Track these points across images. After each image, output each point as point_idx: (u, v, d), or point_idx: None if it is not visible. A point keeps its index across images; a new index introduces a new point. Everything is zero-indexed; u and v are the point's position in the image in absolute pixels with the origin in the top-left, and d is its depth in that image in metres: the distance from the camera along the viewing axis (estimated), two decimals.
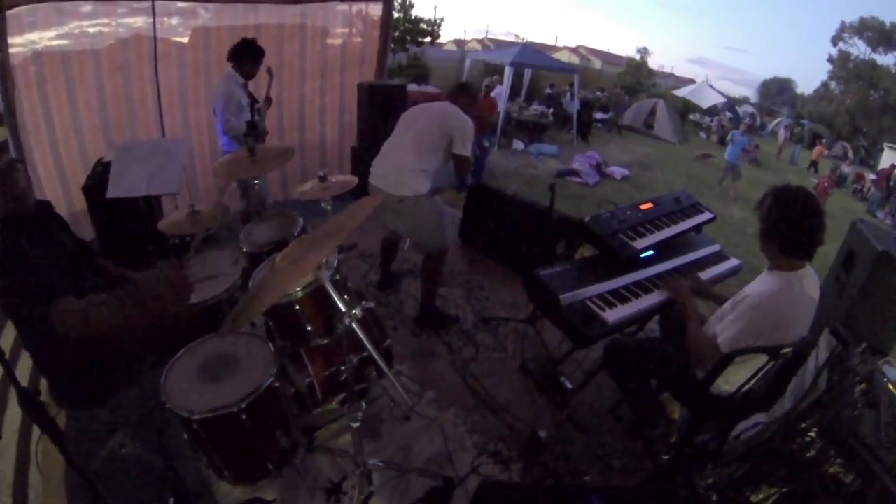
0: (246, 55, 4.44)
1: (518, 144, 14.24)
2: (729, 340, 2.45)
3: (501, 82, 14.72)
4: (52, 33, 4.56)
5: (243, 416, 2.18)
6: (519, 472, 3.00)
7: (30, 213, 2.33)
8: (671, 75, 51.38)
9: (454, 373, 3.77)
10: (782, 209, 2.40)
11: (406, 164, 3.75)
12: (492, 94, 12.50)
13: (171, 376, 2.30)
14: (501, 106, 13.77)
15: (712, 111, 28.28)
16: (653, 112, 22.11)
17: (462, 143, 3.76)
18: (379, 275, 4.87)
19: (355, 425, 2.42)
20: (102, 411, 2.52)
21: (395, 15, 13.15)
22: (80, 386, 2.36)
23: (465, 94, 4.02)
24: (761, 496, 2.29)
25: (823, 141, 27.20)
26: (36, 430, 2.47)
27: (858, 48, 37.14)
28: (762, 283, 2.52)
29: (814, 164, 22.59)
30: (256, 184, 3.93)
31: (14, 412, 2.71)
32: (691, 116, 28.12)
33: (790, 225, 2.38)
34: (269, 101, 4.76)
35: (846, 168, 22.61)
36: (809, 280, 2.45)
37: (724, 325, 2.51)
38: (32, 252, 2.12)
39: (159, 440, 2.70)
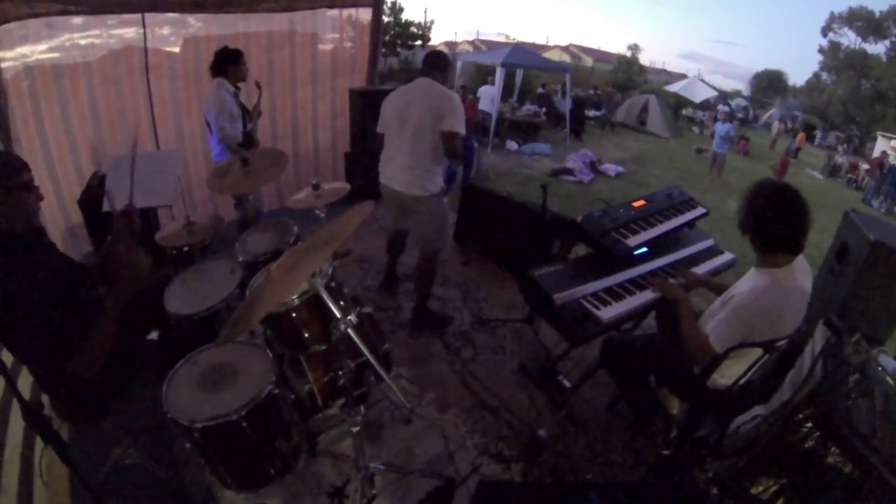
0: (225, 62, 4.42)
1: (512, 145, 14.30)
2: (720, 340, 2.45)
3: (490, 83, 14.76)
4: (43, 46, 4.56)
5: (244, 424, 2.19)
6: (520, 472, 3.02)
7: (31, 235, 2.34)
8: (663, 71, 51.44)
9: (453, 374, 3.79)
10: (756, 210, 2.39)
11: (415, 164, 3.76)
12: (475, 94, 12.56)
13: (172, 386, 2.32)
14: (493, 107, 13.81)
15: (705, 105, 28.33)
16: (645, 108, 22.21)
17: (454, 122, 3.62)
18: (380, 277, 4.92)
19: (355, 429, 2.44)
20: (105, 422, 2.53)
21: (385, 19, 13.17)
22: (81, 399, 2.37)
23: (434, 66, 3.85)
24: (761, 488, 2.31)
25: (816, 131, 27.40)
26: (39, 442, 2.48)
27: (849, 38, 37.42)
28: (749, 282, 2.52)
29: (797, 151, 23.07)
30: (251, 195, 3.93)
31: (16, 424, 2.72)
32: (684, 111, 28.17)
33: (765, 225, 2.38)
34: (258, 113, 4.78)
35: (840, 158, 22.73)
36: (801, 272, 2.46)
37: (713, 325, 2.52)
38: (36, 293, 2.14)
39: (163, 449, 2.71)
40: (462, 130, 3.67)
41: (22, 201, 2.18)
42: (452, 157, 3.77)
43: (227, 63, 4.41)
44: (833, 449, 2.14)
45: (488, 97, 13.95)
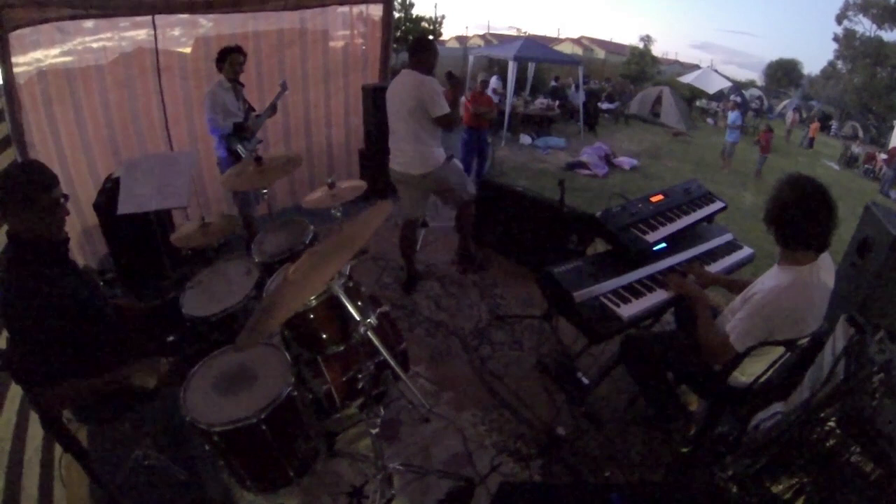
0: (221, 56, 4.57)
1: (525, 139, 14.20)
2: (740, 338, 2.42)
3: (502, 77, 14.67)
4: (55, 51, 4.59)
5: (263, 427, 2.20)
6: (539, 470, 3.00)
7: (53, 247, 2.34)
8: (676, 62, 51.09)
9: (471, 372, 3.78)
10: (781, 203, 2.35)
11: (412, 147, 4.16)
12: (489, 89, 12.50)
13: (190, 389, 2.32)
14: (506, 101, 13.75)
15: (718, 96, 28.03)
16: (658, 100, 21.98)
17: (433, 106, 3.98)
18: (394, 274, 4.98)
19: (374, 431, 2.44)
20: (124, 425, 2.54)
21: (396, 15, 13.14)
22: (98, 402, 2.38)
23: (418, 52, 4.15)
24: (781, 486, 2.28)
25: (831, 121, 27.14)
26: (58, 445, 2.49)
27: (864, 25, 36.66)
28: (772, 279, 2.47)
29: (811, 141, 22.95)
30: (265, 193, 3.94)
31: (37, 425, 2.73)
32: (698, 102, 27.87)
33: (788, 220, 2.34)
34: (273, 108, 4.84)
35: (856, 148, 22.42)
36: (824, 269, 2.42)
37: (734, 324, 2.49)
38: (44, 304, 2.14)
39: (182, 451, 2.72)
40: (446, 108, 4.02)
41: (48, 216, 2.20)
42: (450, 129, 4.24)
43: (219, 60, 4.58)
44: (854, 448, 2.11)
45: (490, 88, 13.88)
